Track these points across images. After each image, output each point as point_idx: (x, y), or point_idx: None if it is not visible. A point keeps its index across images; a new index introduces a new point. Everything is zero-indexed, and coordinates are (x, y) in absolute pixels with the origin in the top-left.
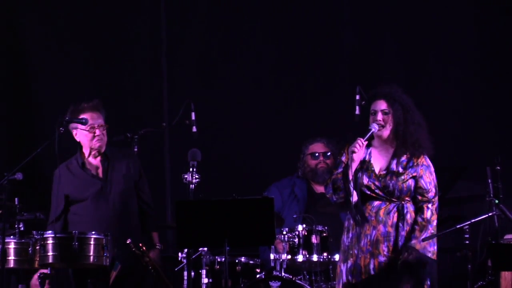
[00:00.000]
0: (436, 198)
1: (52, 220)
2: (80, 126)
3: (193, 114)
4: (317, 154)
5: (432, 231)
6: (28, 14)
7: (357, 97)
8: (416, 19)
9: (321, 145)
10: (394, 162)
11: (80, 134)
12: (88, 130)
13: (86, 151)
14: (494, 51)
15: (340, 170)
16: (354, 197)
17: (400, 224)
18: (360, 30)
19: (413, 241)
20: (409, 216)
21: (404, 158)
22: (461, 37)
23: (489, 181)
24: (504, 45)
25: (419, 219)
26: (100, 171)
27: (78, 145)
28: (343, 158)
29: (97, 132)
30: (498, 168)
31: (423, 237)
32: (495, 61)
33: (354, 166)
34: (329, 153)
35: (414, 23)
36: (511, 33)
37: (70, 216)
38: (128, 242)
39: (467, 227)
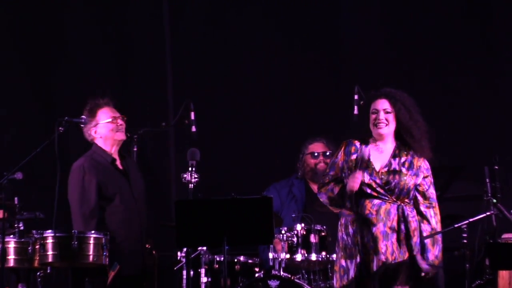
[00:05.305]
0: (437, 201)
1: (85, 214)
2: (101, 118)
3: (192, 114)
4: (316, 154)
5: (438, 237)
6: None
7: (356, 96)
8: (414, 18)
9: (321, 145)
10: (396, 161)
11: (103, 127)
12: (111, 122)
13: (107, 147)
14: (489, 50)
15: (332, 172)
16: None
17: (402, 226)
18: (359, 30)
19: (431, 258)
20: (409, 219)
21: (404, 158)
22: (457, 32)
23: (487, 180)
24: (502, 43)
25: (429, 229)
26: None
27: (93, 143)
28: (338, 159)
29: (120, 121)
30: (496, 167)
31: (428, 238)
32: (489, 59)
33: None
34: (328, 153)
35: (412, 22)
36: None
37: (103, 214)
38: (148, 246)
39: (465, 226)
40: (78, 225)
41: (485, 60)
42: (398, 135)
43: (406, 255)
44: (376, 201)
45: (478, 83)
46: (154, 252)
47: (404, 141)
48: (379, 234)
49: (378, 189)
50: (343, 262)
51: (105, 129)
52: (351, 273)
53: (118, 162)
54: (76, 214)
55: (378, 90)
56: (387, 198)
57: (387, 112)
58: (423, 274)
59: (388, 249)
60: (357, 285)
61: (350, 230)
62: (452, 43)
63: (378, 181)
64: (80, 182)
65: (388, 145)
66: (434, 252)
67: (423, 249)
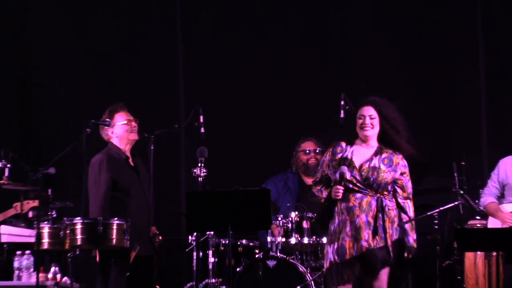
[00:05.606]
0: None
1: (101, 203)
2: (118, 120)
3: (201, 117)
4: (308, 151)
5: (414, 225)
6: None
7: (342, 102)
8: (400, 27)
9: (311, 143)
10: (376, 159)
11: (119, 128)
12: (126, 124)
13: (122, 145)
14: (462, 52)
15: (321, 170)
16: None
17: (380, 215)
18: (347, 43)
19: (411, 242)
20: (387, 208)
21: (385, 155)
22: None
23: (455, 174)
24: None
25: (407, 218)
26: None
27: (108, 142)
28: (326, 159)
29: (133, 124)
30: (463, 163)
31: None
32: (462, 66)
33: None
34: (318, 150)
35: (397, 31)
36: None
37: (118, 204)
38: (156, 232)
39: (436, 214)
40: (94, 213)
41: (457, 67)
42: (380, 137)
43: (387, 241)
44: (358, 195)
45: (450, 90)
46: (160, 238)
47: (386, 143)
48: (362, 224)
49: (358, 184)
50: (328, 247)
51: (121, 130)
52: (330, 257)
53: (130, 160)
54: (93, 203)
55: (365, 98)
56: (367, 192)
57: (372, 118)
58: (406, 254)
59: (370, 236)
60: (343, 269)
61: (336, 220)
62: (432, 52)
63: (358, 177)
64: (98, 175)
65: (371, 146)
66: (413, 236)
67: (405, 234)
